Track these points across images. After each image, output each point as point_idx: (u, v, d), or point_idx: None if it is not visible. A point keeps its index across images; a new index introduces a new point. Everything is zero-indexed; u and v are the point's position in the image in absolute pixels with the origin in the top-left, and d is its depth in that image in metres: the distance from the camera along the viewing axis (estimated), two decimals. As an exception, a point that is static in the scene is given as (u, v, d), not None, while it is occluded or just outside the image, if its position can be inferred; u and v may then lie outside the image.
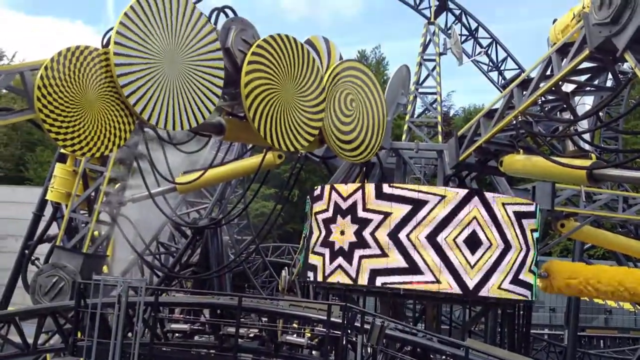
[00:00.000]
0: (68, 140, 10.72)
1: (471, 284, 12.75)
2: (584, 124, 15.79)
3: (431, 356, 11.98)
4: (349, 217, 13.50)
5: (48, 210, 17.80)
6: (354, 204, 13.49)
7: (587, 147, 13.95)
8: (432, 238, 12.81)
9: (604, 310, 41.00)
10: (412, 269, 12.81)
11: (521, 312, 15.03)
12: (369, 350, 11.60)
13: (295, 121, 13.13)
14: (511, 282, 13.20)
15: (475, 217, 12.93)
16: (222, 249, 22.35)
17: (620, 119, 30.55)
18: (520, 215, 13.42)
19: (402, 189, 13.21)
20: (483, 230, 12.95)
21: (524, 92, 13.56)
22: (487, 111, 15.29)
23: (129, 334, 12.75)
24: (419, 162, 19.71)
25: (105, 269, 17.93)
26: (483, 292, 12.80)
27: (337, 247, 13.63)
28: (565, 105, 13.41)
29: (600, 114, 15.66)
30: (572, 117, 13.35)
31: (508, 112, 14.12)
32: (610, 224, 21.10)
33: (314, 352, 13.03)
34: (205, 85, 11.80)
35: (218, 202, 24.91)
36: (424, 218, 12.94)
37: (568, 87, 13.39)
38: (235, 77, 12.35)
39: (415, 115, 27.05)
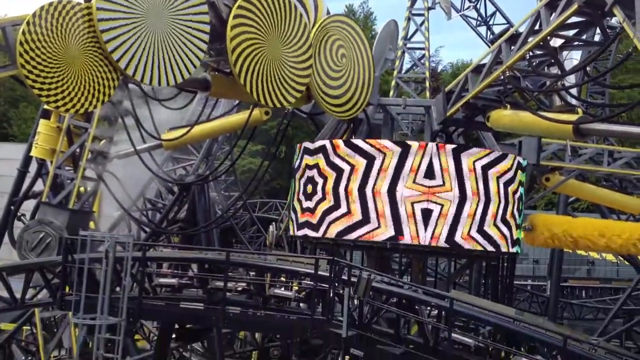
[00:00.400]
0: (51, 96, 10.61)
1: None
2: (571, 79, 15.81)
3: (417, 307, 12.19)
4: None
5: (33, 167, 17.70)
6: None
7: (574, 101, 14.00)
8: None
9: (586, 261, 41.71)
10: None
11: (505, 264, 15.27)
12: (355, 303, 11.80)
13: (282, 77, 13.03)
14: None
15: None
16: (209, 205, 22.41)
17: (608, 73, 30.57)
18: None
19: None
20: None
21: (512, 47, 13.51)
22: (475, 66, 15.24)
23: (117, 289, 12.86)
24: (407, 118, 19.67)
25: (91, 225, 17.94)
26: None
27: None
28: (553, 60, 13.38)
29: (588, 68, 15.67)
30: (559, 72, 13.34)
31: (496, 68, 14.09)
32: (595, 177, 21.28)
33: (301, 304, 13.22)
34: (191, 40, 11.64)
35: (205, 158, 24.85)
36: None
37: (556, 42, 13.35)
38: (221, 32, 12.19)
39: (403, 71, 26.94)
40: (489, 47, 23.99)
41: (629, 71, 52.96)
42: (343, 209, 13.45)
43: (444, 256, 15.53)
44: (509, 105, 14.31)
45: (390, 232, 13.17)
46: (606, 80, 30.78)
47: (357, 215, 13.34)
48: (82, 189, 17.39)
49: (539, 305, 33.81)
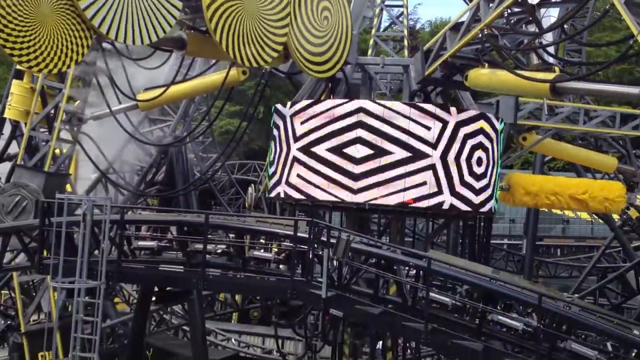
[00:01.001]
0: (23, 55, 10.36)
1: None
2: (548, 37, 15.75)
3: (395, 268, 12.30)
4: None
5: (7, 129, 17.38)
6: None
7: (551, 60, 13.98)
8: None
9: (561, 220, 42.36)
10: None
11: (482, 224, 15.42)
12: (335, 264, 11.87)
13: (259, 35, 12.82)
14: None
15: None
16: (187, 166, 22.26)
17: (585, 31, 30.59)
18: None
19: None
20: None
21: (490, 5, 13.40)
22: (453, 24, 15.12)
23: (96, 252, 12.80)
24: (385, 77, 19.60)
25: (68, 187, 17.75)
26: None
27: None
28: (530, 18, 13.31)
29: (565, 26, 15.62)
30: (537, 30, 13.29)
31: (474, 26, 13.98)
32: (571, 136, 21.45)
33: (281, 266, 13.28)
34: (165, -1, 11.38)
35: (182, 119, 24.58)
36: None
37: (534, 0, 13.26)
38: (196, -11, 11.93)
39: (381, 29, 26.70)
40: (467, 4, 23.82)
41: (606, 29, 53.07)
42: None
43: (422, 217, 15.62)
44: (486, 64, 14.27)
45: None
46: (583, 38, 30.82)
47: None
48: (57, 151, 17.15)
49: (515, 264, 34.39)
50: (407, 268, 12.65)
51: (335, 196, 13.47)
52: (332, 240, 11.43)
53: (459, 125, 13.51)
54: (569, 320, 10.85)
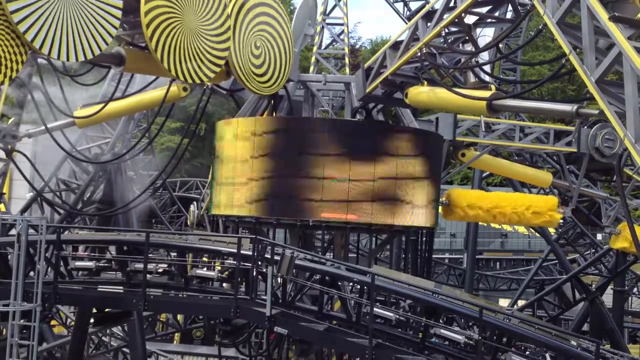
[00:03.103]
0: (-47, 71, 9.98)
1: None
2: (484, 56, 16.18)
3: (339, 283, 12.32)
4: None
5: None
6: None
7: (487, 78, 14.34)
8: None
9: (500, 234, 43.40)
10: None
11: (424, 239, 15.63)
12: (279, 281, 11.80)
13: (200, 51, 12.71)
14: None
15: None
16: (126, 184, 21.81)
17: (519, 50, 31.59)
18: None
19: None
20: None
21: (429, 24, 13.68)
22: (392, 43, 15.36)
23: (31, 273, 12.38)
24: (327, 94, 19.70)
25: (2, 207, 17.16)
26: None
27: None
28: (467, 37, 13.66)
29: (500, 45, 16.08)
30: (473, 49, 13.63)
31: (413, 44, 14.25)
32: (508, 152, 22.02)
33: (224, 284, 13.12)
34: (102, 15, 11.14)
35: (121, 136, 24.09)
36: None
37: (470, 19, 13.60)
38: (135, 5, 11.75)
39: (322, 47, 26.89)
40: (406, 23, 24.26)
41: (539, 48, 55.01)
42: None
43: (365, 232, 15.73)
44: (426, 82, 14.53)
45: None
46: (517, 57, 31.82)
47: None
48: (-11, 170, 16.59)
49: (457, 278, 34.99)
50: (351, 284, 12.69)
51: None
52: (276, 257, 11.37)
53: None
54: (509, 333, 11.08)
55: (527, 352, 11.36)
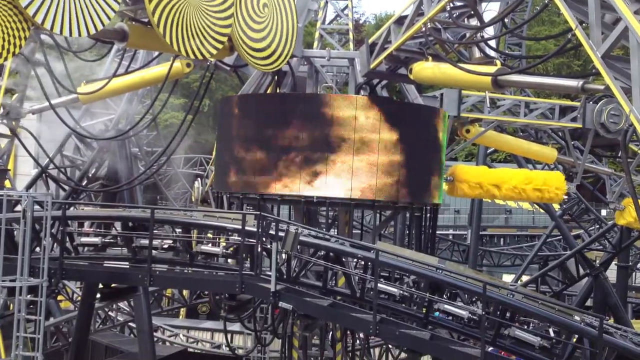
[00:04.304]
0: (-44, 48, 9.95)
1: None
2: (489, 31, 16.04)
3: (343, 260, 12.37)
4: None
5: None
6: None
7: (492, 53, 14.23)
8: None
9: (504, 210, 43.43)
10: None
11: (428, 215, 15.64)
12: (283, 257, 11.86)
13: (203, 27, 12.64)
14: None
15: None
16: (131, 161, 21.84)
17: (524, 25, 31.32)
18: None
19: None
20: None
21: (433, -1, 13.54)
22: (397, 18, 15.22)
23: (37, 249, 12.46)
24: (331, 70, 19.58)
25: (7, 183, 17.22)
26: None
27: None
28: (472, 12, 13.52)
29: (506, 20, 15.94)
30: (478, 24, 13.51)
31: (418, 19, 14.12)
32: (513, 128, 21.92)
33: (229, 260, 13.19)
34: (106, -12, 11.08)
35: (125, 113, 24.05)
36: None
37: (476, -7, 13.45)
38: (138, -20, 11.68)
39: (326, 22, 26.70)
40: (412, -1, 24.02)
41: (545, 23, 54.50)
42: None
43: (369, 208, 15.75)
44: (430, 58, 14.43)
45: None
46: (523, 32, 31.56)
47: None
48: (-6, 146, 16.63)
49: (460, 254, 35.08)
50: (355, 260, 12.74)
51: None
52: (281, 234, 11.41)
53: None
54: (513, 308, 11.13)
55: (531, 327, 11.43)
